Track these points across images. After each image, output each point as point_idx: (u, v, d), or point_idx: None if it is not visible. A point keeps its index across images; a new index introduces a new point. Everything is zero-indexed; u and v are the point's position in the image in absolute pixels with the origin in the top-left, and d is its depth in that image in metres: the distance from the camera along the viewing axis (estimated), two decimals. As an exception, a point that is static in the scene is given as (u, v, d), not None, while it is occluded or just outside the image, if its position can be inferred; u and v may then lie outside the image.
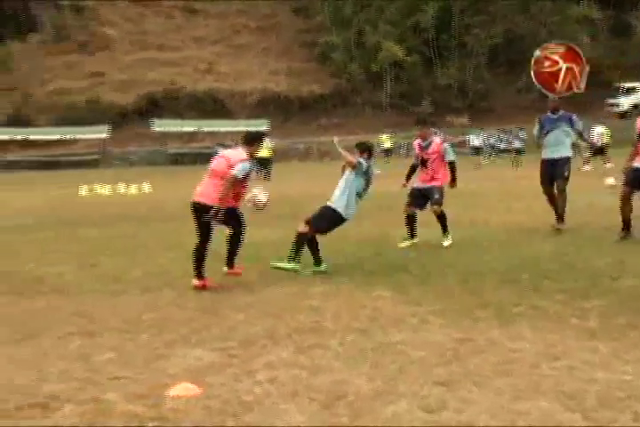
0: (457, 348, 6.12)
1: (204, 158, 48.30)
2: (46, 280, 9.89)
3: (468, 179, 21.14)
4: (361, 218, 14.58)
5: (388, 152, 45.64)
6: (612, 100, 57.49)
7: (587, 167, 28.73)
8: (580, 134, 13.53)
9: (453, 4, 63.51)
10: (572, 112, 13.10)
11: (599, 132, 29.73)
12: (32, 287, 9.40)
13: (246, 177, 9.13)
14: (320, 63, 69.17)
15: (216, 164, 9.24)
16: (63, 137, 56.38)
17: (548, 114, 13.06)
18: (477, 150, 42.18)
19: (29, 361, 6.17)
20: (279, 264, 9.76)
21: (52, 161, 54.71)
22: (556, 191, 12.79)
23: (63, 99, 63.35)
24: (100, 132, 55.62)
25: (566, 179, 12.67)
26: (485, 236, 12.35)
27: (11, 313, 8.03)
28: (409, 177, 12.22)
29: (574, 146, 13.37)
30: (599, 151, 29.78)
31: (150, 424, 4.73)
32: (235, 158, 9.10)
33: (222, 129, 54.78)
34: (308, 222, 9.78)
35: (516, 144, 38.01)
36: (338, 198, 9.82)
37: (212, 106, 63.35)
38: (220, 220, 9.00)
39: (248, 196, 9.78)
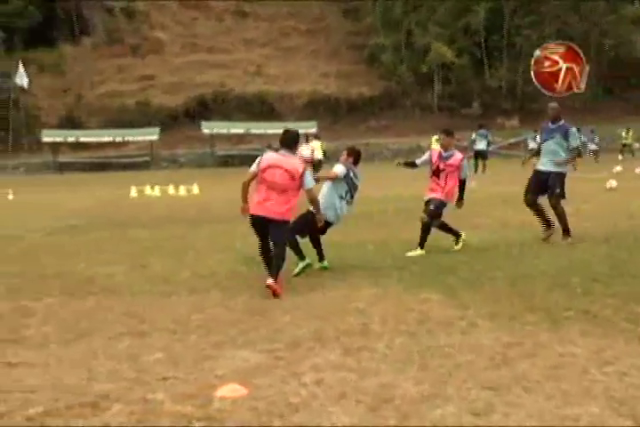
0: (505, 352, 6.07)
1: (253, 160, 48.56)
2: (97, 281, 10.01)
3: (520, 181, 20.97)
4: (407, 220, 14.55)
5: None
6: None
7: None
8: (574, 149, 12.30)
9: (505, 5, 62.96)
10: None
11: None
12: (83, 288, 9.51)
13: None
14: (369, 65, 69.01)
15: (278, 177, 9.05)
16: (114, 139, 56.92)
17: (548, 123, 12.49)
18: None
19: (80, 361, 6.24)
20: (296, 270, 9.91)
21: (104, 163, 55.31)
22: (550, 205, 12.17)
23: (114, 101, 64.04)
24: (151, 135, 56.05)
25: (558, 196, 12.02)
26: (535, 238, 12.23)
27: (62, 313, 8.13)
28: (407, 164, 12.15)
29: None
30: None
31: (197, 424, 4.76)
32: (296, 170, 9.07)
33: (270, 131, 54.89)
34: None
35: (592, 146, 40.32)
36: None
37: (261, 108, 63.52)
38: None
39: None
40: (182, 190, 28.20)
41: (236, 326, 7.23)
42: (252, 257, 11.22)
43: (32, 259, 12.16)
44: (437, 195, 11.35)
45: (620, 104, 58.22)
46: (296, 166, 9.10)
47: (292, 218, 9.42)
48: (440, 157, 11.42)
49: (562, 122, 12.21)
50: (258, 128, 55.94)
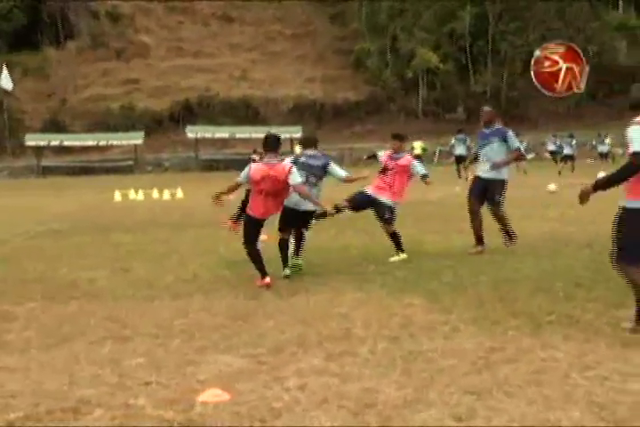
0: (488, 356, 6.08)
1: (237, 164, 48.68)
2: (79, 285, 9.96)
3: (540, 186, 21.15)
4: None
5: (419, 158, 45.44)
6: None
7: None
8: (516, 150, 11.97)
9: (490, 11, 63.23)
10: (508, 128, 12.14)
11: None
12: (65, 292, 9.46)
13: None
14: (354, 70, 69.25)
15: (272, 185, 9.54)
16: (98, 143, 56.77)
17: (483, 129, 12.19)
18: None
19: (61, 366, 6.21)
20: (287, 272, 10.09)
21: (87, 167, 55.18)
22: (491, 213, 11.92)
23: (98, 105, 63.98)
24: (135, 139, 55.99)
25: (498, 204, 11.74)
26: (519, 244, 12.26)
27: (43, 318, 8.09)
28: (369, 157, 12.31)
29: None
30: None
31: (179, 430, 4.75)
32: (284, 173, 9.57)
33: (255, 135, 54.85)
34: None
35: (567, 150, 39.48)
36: None
37: (246, 112, 63.60)
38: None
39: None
40: (166, 194, 28.13)
41: (218, 331, 7.21)
42: (236, 261, 11.23)
43: (14, 263, 12.09)
44: (385, 196, 11.33)
45: (604, 110, 58.57)
46: (283, 171, 9.56)
47: None
48: (390, 157, 11.50)
49: (497, 126, 11.99)
50: (243, 133, 55.94)
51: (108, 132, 57.97)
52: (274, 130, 51.94)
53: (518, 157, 12.50)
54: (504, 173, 11.83)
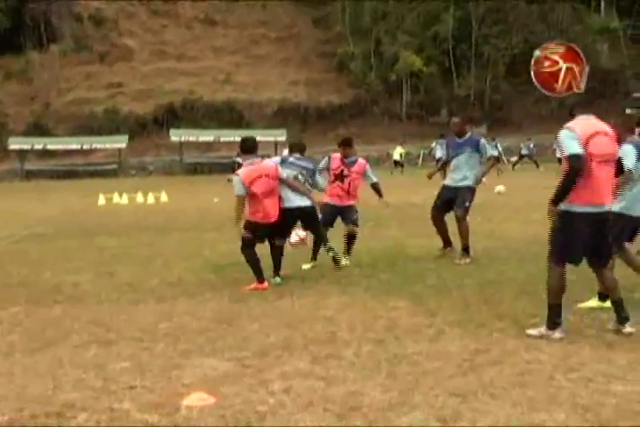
0: (473, 359, 6.10)
1: (221, 168, 48.75)
2: (63, 289, 9.94)
3: (489, 188, 21.21)
4: (375, 228, 14.60)
5: (397, 163, 45.49)
6: (629, 111, 57.22)
7: None
8: (490, 158, 11.79)
9: (473, 14, 63.39)
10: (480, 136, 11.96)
11: None
12: (49, 296, 9.44)
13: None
14: (338, 73, 69.20)
15: (266, 184, 9.70)
16: (82, 147, 56.53)
17: (455, 138, 11.88)
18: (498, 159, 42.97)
19: (45, 370, 6.19)
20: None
21: (71, 170, 54.89)
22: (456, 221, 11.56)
23: (82, 109, 63.70)
24: (119, 142, 55.75)
25: (466, 209, 11.46)
26: (503, 246, 12.30)
27: (27, 322, 8.06)
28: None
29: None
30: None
31: (164, 434, 4.74)
32: (273, 170, 9.91)
33: (239, 139, 54.83)
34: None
35: (524, 151, 42.66)
36: None
37: (230, 116, 63.45)
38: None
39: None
40: (150, 198, 28.06)
41: (203, 335, 7.20)
42: (220, 265, 11.25)
43: (-2, 267, 12.06)
44: (350, 201, 11.41)
45: (586, 112, 58.62)
46: (271, 168, 9.91)
47: None
48: (343, 162, 11.34)
49: (469, 135, 11.72)
50: (227, 136, 55.72)
51: (91, 135, 57.71)
52: (258, 133, 52.10)
53: (495, 164, 12.45)
54: (472, 180, 11.55)
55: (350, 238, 11.40)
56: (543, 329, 6.78)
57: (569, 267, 6.95)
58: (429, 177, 12.71)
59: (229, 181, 14.85)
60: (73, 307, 8.75)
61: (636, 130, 8.15)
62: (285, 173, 10.14)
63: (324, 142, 57.37)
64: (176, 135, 55.76)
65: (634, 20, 64.99)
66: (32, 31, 70.07)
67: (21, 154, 54.88)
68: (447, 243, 11.86)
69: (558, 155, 11.79)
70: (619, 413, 4.83)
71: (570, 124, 6.85)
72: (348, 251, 11.38)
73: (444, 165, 12.45)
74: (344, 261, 10.94)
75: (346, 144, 11.45)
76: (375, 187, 11.68)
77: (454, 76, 65.68)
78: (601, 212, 6.71)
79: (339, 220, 11.44)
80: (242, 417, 4.94)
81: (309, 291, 9.21)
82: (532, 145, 43.32)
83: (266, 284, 9.49)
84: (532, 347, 6.37)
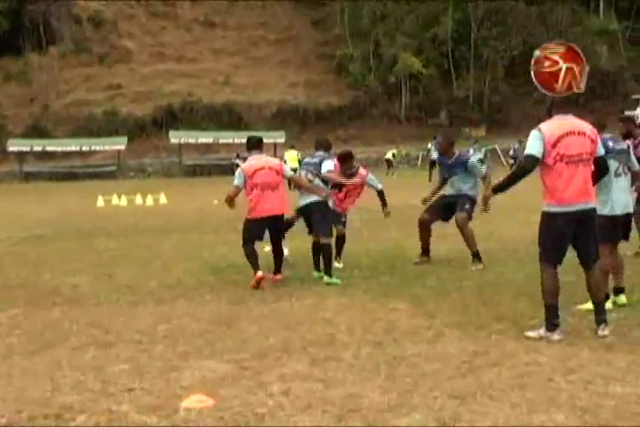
0: (472, 361, 6.09)
1: (220, 170, 48.72)
2: (62, 291, 9.93)
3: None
4: (375, 230, 14.59)
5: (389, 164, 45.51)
6: (628, 113, 57.21)
7: None
8: (485, 177, 11.30)
9: (472, 16, 63.38)
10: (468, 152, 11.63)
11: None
12: (48, 298, 9.43)
13: None
14: (337, 75, 69.23)
15: (268, 176, 9.87)
16: (81, 148, 56.50)
17: (445, 158, 11.65)
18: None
19: (44, 372, 6.18)
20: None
21: (70, 172, 54.84)
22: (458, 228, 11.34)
23: (81, 110, 63.72)
24: (118, 144, 55.73)
25: (468, 212, 11.17)
26: (502, 248, 12.29)
27: (26, 324, 8.05)
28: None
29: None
30: None
31: (163, 436, 4.74)
32: (278, 165, 10.18)
33: (239, 140, 54.73)
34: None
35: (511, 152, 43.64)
36: None
37: (229, 118, 63.47)
38: None
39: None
40: (149, 200, 28.04)
41: (202, 337, 7.20)
42: (219, 266, 11.24)
43: (-4, 269, 12.05)
44: (346, 209, 11.54)
45: (585, 114, 58.47)
46: (276, 162, 10.21)
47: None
48: (342, 173, 11.00)
49: (456, 154, 11.49)
50: (226, 137, 55.78)
51: (90, 137, 57.72)
52: (257, 135, 52.17)
53: (489, 181, 11.98)
54: (474, 191, 11.38)
55: (340, 240, 11.35)
56: (542, 331, 6.78)
57: (568, 268, 6.96)
58: (424, 203, 11.99)
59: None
60: (72, 309, 8.74)
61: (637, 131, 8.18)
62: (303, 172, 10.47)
63: (324, 144, 57.28)
64: (175, 137, 55.75)
65: (633, 21, 65.08)
66: (31, 33, 70.03)
67: (20, 156, 54.86)
68: (426, 252, 11.52)
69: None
70: (617, 414, 4.82)
71: (542, 124, 7.03)
72: (338, 253, 11.30)
73: (440, 186, 12.07)
74: (336, 264, 10.92)
75: (349, 159, 11.26)
76: (380, 195, 11.58)
77: (453, 77, 65.75)
78: (579, 210, 6.75)
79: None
80: (240, 419, 4.94)
81: (308, 293, 9.21)
82: (516, 146, 43.30)
83: (260, 273, 9.52)
84: (531, 349, 6.37)
